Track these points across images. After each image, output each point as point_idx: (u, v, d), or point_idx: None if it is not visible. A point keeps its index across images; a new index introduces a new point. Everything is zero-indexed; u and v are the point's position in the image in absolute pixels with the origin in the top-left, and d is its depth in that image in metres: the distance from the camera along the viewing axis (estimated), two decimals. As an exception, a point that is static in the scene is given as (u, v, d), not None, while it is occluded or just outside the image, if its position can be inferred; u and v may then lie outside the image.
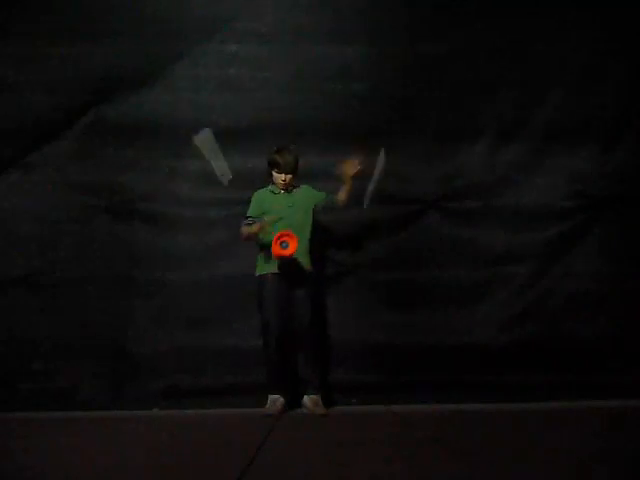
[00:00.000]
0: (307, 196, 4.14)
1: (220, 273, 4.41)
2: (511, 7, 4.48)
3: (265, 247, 3.99)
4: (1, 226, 4.40)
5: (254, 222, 3.99)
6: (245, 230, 4.02)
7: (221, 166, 4.17)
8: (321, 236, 4.23)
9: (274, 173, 4.08)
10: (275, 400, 3.95)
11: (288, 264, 3.95)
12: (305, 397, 4.01)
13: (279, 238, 3.86)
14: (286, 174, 4.04)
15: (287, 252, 3.86)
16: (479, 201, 4.51)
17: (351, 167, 4.02)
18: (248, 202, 4.45)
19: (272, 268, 4.00)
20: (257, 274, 4.07)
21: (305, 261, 4.05)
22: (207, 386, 4.31)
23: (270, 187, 4.14)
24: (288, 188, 4.10)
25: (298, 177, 4.12)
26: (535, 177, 4.51)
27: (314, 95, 4.46)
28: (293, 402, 4.06)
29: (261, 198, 4.11)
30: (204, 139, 4.08)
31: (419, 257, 4.48)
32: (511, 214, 4.50)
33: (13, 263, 4.38)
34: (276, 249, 3.85)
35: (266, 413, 3.84)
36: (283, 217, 4.00)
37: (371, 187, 4.21)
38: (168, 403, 4.25)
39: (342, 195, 4.09)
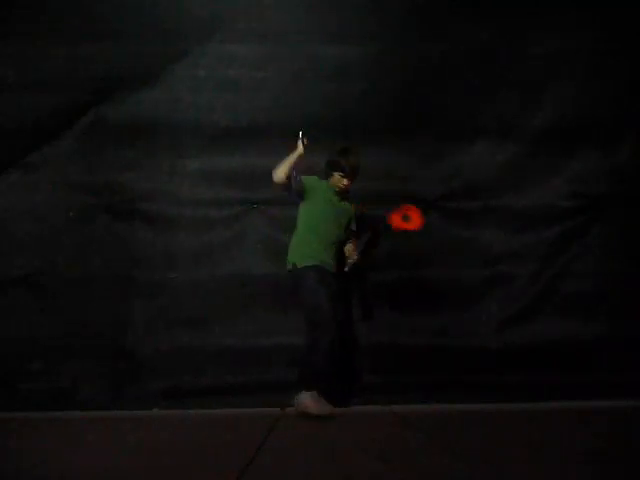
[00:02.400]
0: (348, 214, 4.06)
1: (220, 273, 4.41)
2: (512, 7, 4.48)
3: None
4: (1, 226, 4.40)
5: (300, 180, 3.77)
6: (285, 163, 3.74)
7: None
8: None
9: (335, 175, 3.88)
10: (322, 400, 3.74)
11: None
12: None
13: (400, 212, 3.66)
14: (349, 180, 3.87)
15: (411, 226, 3.71)
16: (479, 201, 4.51)
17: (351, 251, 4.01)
18: (248, 202, 4.46)
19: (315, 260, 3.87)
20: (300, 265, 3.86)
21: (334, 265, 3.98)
22: (207, 386, 4.31)
23: (328, 185, 3.95)
24: (343, 194, 3.95)
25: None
26: (535, 177, 4.51)
27: (314, 95, 4.46)
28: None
29: (317, 187, 3.91)
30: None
31: (419, 257, 4.48)
32: (511, 214, 4.50)
33: (13, 263, 4.38)
34: (397, 221, 3.68)
35: (326, 412, 3.65)
36: (325, 222, 3.93)
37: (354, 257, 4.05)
38: (168, 403, 4.25)
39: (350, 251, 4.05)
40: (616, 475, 2.31)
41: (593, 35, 4.49)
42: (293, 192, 3.89)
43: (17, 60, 4.38)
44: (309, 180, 3.94)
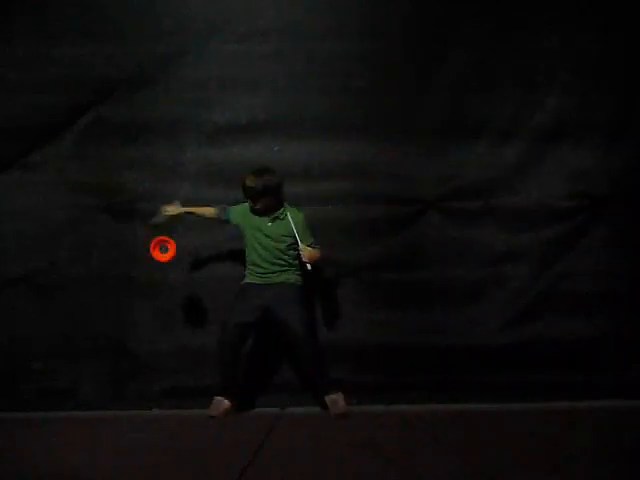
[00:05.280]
0: (288, 226, 3.92)
1: (220, 273, 4.41)
2: (512, 6, 4.48)
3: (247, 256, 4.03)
4: (1, 226, 4.40)
5: (224, 210, 4.05)
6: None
7: None
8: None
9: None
10: (219, 402, 3.93)
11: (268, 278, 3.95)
12: (326, 398, 3.91)
13: (158, 242, 3.97)
14: (254, 201, 3.91)
15: (165, 258, 3.98)
16: (479, 201, 4.50)
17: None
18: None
19: (251, 279, 4.01)
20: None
21: (288, 276, 3.98)
22: (207, 386, 4.30)
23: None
24: (265, 213, 3.96)
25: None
26: (535, 177, 4.50)
27: (314, 93, 4.45)
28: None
29: (246, 213, 4.01)
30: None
31: (419, 257, 4.48)
32: (511, 214, 4.49)
33: (13, 263, 4.38)
34: (155, 253, 3.97)
35: (209, 414, 3.86)
36: (261, 243, 3.96)
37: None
38: (168, 403, 4.26)
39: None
40: (615, 475, 2.31)
41: (593, 35, 4.49)
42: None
43: (17, 60, 4.39)
44: (236, 211, 4.05)
